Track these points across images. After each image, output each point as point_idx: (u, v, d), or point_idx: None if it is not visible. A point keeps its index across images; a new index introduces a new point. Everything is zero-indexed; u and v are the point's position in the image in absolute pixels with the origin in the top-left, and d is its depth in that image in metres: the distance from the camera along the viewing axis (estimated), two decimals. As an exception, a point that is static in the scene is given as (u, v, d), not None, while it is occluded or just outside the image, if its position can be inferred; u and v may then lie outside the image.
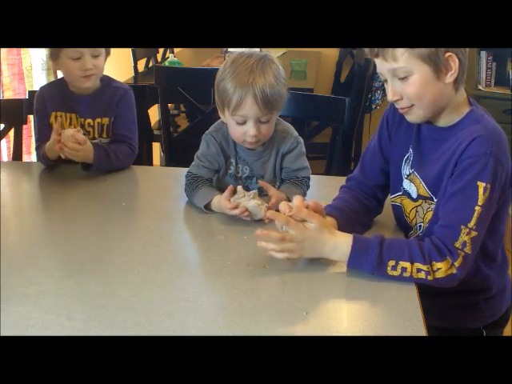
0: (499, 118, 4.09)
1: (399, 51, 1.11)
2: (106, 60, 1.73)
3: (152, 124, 2.68)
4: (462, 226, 1.10)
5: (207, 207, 1.41)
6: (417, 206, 1.27)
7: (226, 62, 1.36)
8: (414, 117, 1.19)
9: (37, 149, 1.73)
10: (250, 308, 1.02)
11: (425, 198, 1.24)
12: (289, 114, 1.83)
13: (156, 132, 2.74)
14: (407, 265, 1.09)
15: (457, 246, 1.10)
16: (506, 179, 1.14)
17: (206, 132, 1.48)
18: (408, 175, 1.28)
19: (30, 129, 2.67)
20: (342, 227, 1.23)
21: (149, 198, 1.58)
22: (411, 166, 1.27)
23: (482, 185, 1.10)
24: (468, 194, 1.11)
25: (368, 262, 1.11)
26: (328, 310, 1.03)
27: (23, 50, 3.01)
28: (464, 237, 1.10)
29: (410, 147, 1.27)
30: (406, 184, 1.28)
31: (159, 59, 3.76)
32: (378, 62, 1.16)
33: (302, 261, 1.18)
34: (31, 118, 1.92)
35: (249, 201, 1.33)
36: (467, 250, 1.10)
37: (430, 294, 1.10)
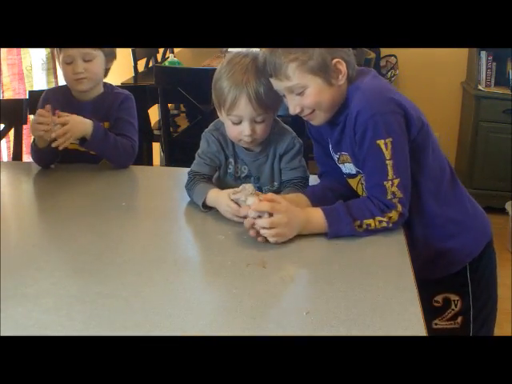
0: (499, 118, 4.08)
1: (290, 70, 1.22)
2: (111, 63, 1.75)
3: (152, 124, 2.68)
4: (384, 182, 1.23)
5: (205, 205, 1.40)
6: (359, 180, 1.37)
7: (223, 62, 1.37)
8: (318, 120, 1.32)
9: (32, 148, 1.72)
10: (249, 308, 1.02)
11: (360, 173, 1.35)
12: (289, 114, 1.83)
13: (156, 132, 2.74)
14: (370, 221, 1.24)
15: (389, 198, 1.23)
16: (408, 116, 1.23)
17: (206, 130, 1.49)
18: (338, 158, 1.38)
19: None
20: (314, 199, 1.34)
21: (149, 198, 1.58)
22: (335, 150, 1.38)
23: (381, 142, 1.21)
24: (375, 156, 1.22)
25: (346, 229, 1.22)
26: (328, 310, 1.03)
27: (23, 50, 3.00)
28: (390, 188, 1.23)
29: (327, 138, 1.39)
30: (343, 168, 1.39)
31: (159, 59, 3.76)
32: (273, 81, 1.27)
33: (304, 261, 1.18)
34: (31, 118, 1.92)
35: (247, 197, 1.31)
36: (399, 195, 1.23)
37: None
